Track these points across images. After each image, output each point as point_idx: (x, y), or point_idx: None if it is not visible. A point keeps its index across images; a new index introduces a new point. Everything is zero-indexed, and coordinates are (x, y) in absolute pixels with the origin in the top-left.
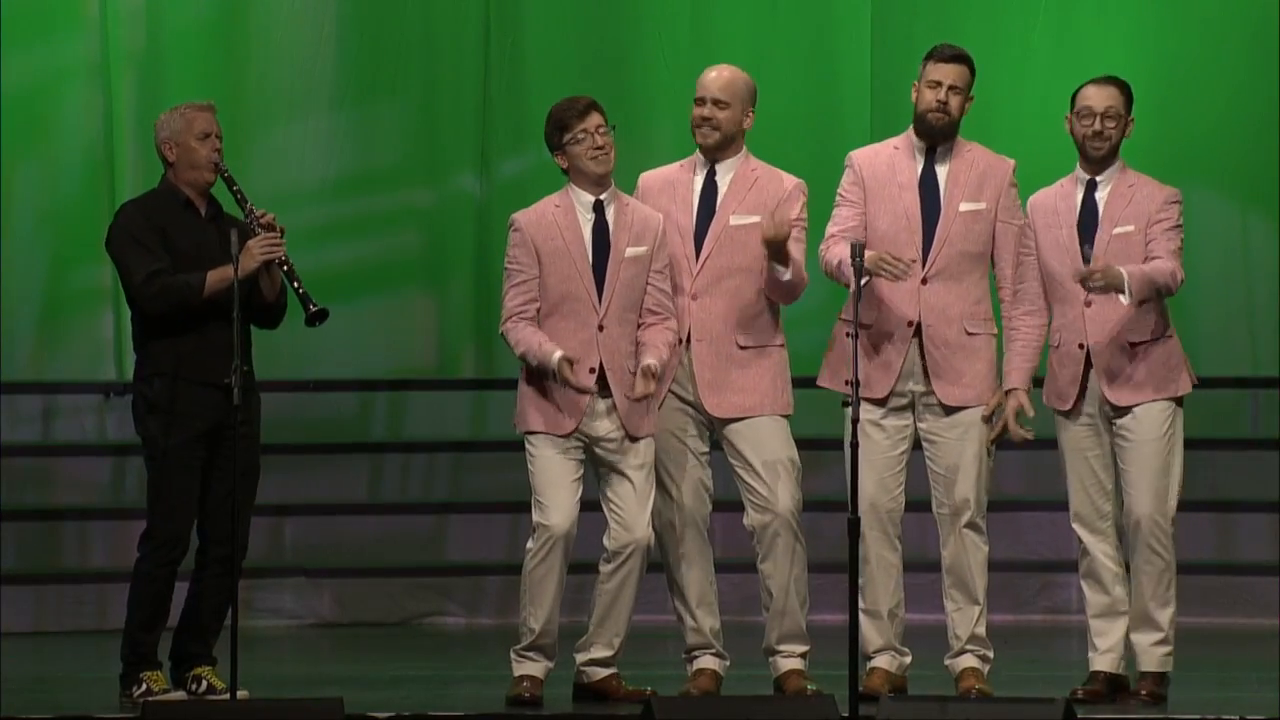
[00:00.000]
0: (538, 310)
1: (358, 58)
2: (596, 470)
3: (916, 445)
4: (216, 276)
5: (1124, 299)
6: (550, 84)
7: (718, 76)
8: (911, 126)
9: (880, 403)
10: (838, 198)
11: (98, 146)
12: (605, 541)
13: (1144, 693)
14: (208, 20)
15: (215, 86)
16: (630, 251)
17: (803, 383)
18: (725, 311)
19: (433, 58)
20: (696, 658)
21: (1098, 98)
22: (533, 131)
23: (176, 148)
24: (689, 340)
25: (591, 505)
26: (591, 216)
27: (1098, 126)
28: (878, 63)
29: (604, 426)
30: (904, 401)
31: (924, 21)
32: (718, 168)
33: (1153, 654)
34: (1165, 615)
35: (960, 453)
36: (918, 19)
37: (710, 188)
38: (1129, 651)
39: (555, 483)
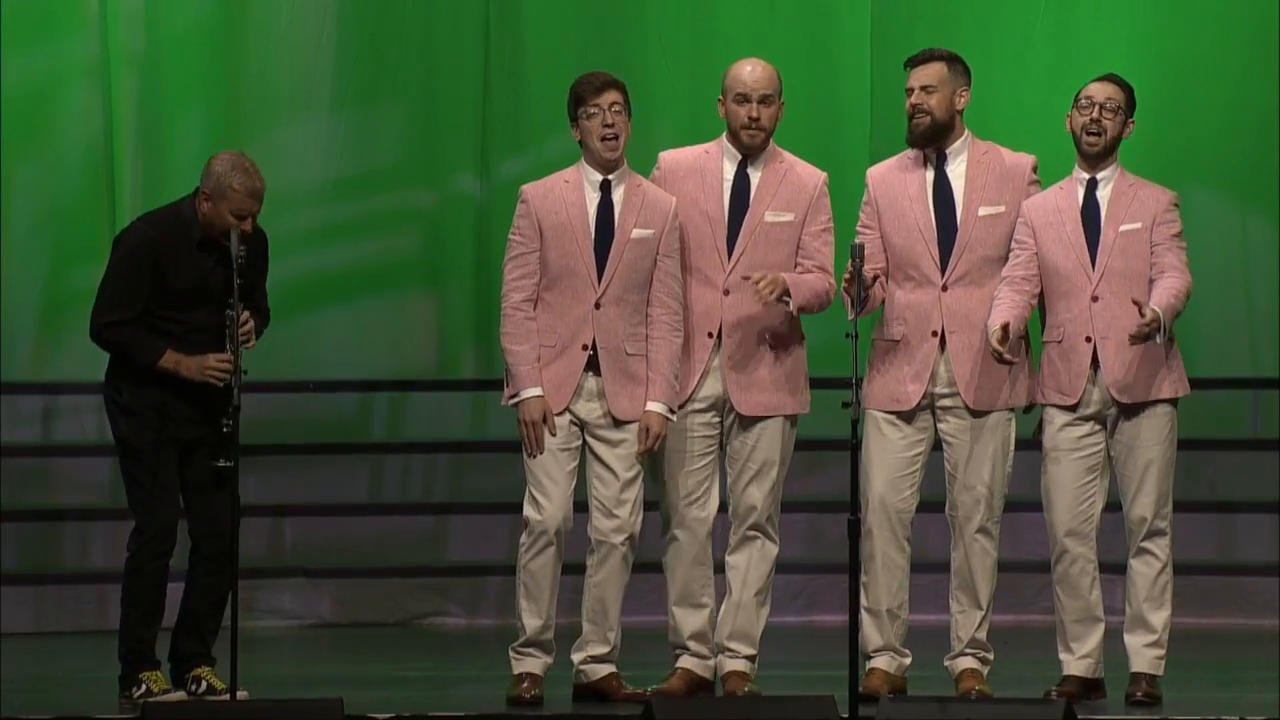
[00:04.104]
0: (536, 286)
1: (358, 58)
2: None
3: (937, 446)
4: (169, 364)
5: (1158, 339)
6: (550, 85)
7: (760, 73)
8: None
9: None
10: (858, 226)
11: (98, 146)
12: (589, 532)
13: (1139, 694)
14: (208, 20)
15: (215, 86)
16: (637, 233)
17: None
18: (756, 308)
19: (433, 58)
20: (677, 656)
21: (1099, 90)
22: (533, 132)
23: (210, 205)
24: (719, 336)
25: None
26: (598, 195)
27: (1095, 114)
28: (878, 63)
29: (594, 410)
30: (924, 403)
31: (924, 21)
32: (750, 160)
33: (1144, 655)
34: (1160, 618)
35: (975, 456)
36: (918, 19)
37: (742, 180)
38: (1109, 655)
39: (549, 475)
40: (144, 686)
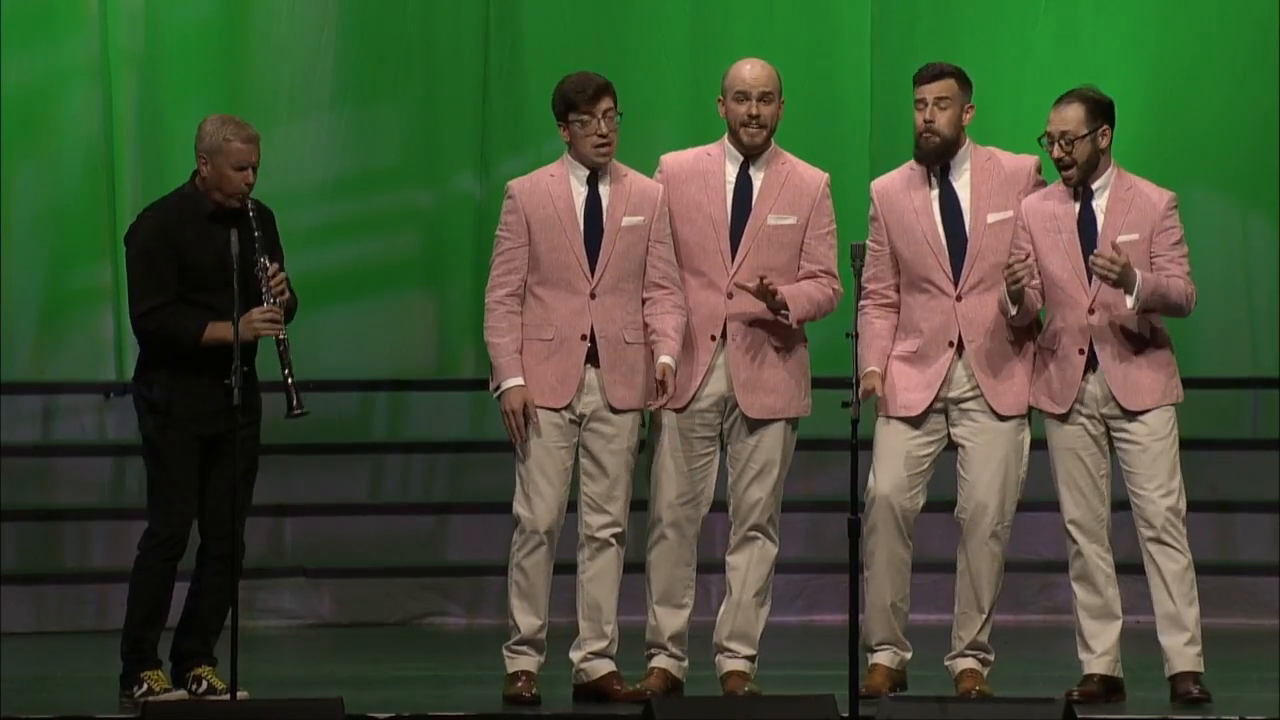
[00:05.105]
0: (522, 281)
1: (358, 58)
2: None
3: (950, 448)
4: (215, 333)
5: (1129, 301)
6: (550, 84)
7: (760, 71)
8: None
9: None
10: (869, 241)
11: (98, 146)
12: (579, 529)
13: (1195, 691)
14: (208, 20)
15: (215, 86)
16: (627, 221)
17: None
18: (760, 310)
19: (433, 58)
20: (653, 656)
21: (1055, 121)
22: (532, 132)
23: (211, 167)
24: (724, 337)
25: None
26: (585, 189)
27: (1058, 153)
28: (878, 63)
29: (591, 402)
30: (937, 406)
31: (924, 22)
32: (752, 162)
33: (1186, 654)
34: (1191, 615)
35: (987, 460)
36: (918, 19)
37: (745, 182)
38: (1122, 654)
39: (543, 472)
40: (145, 685)
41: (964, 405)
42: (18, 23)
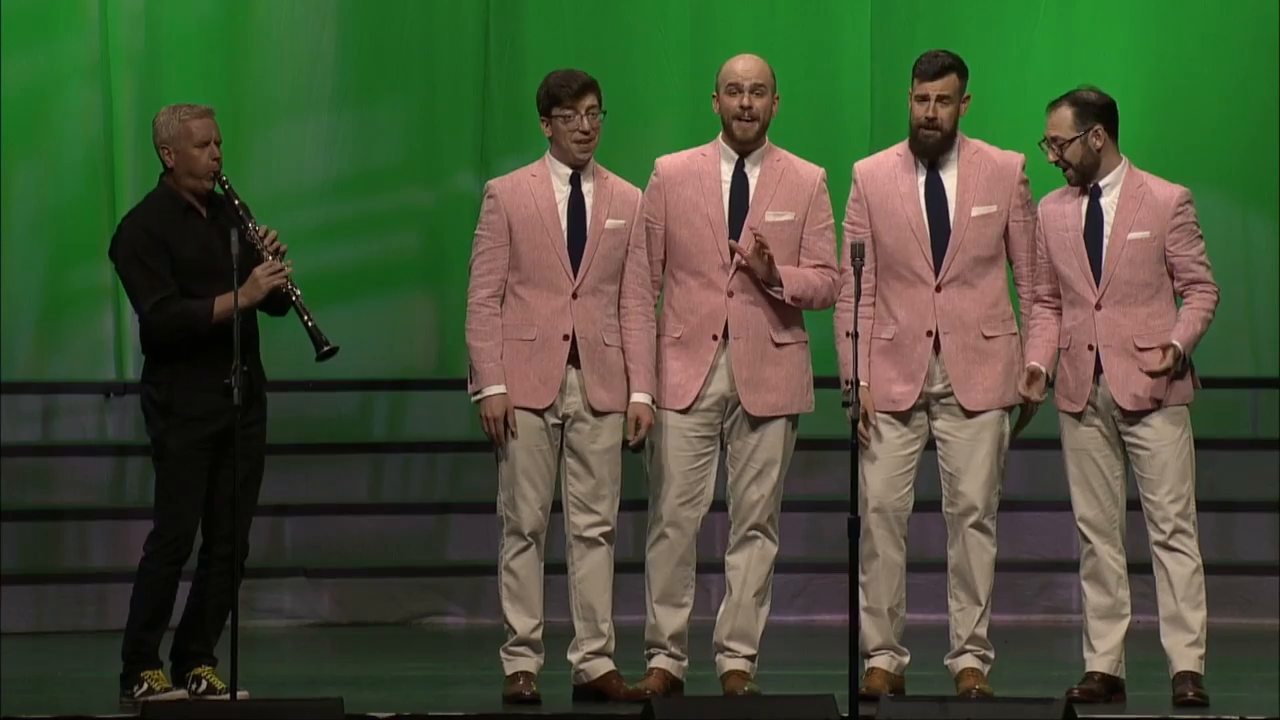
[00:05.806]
0: (503, 282)
1: (358, 58)
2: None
3: (930, 445)
4: (223, 305)
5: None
6: None
7: (752, 64)
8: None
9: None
10: (845, 223)
11: (98, 146)
12: (567, 529)
13: (1190, 694)
14: (208, 20)
15: (215, 86)
16: (610, 224)
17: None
18: (762, 308)
19: (433, 58)
20: (652, 655)
21: (1048, 125)
22: (533, 131)
23: (175, 154)
24: (725, 337)
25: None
26: (568, 189)
27: (1052, 156)
28: (878, 62)
29: (574, 403)
30: (920, 402)
31: (924, 21)
32: (746, 159)
33: (1189, 655)
34: (1197, 618)
35: (971, 453)
36: (918, 18)
37: (740, 180)
38: (1125, 654)
39: (528, 475)
40: (145, 685)
41: (944, 400)
42: (18, 23)
